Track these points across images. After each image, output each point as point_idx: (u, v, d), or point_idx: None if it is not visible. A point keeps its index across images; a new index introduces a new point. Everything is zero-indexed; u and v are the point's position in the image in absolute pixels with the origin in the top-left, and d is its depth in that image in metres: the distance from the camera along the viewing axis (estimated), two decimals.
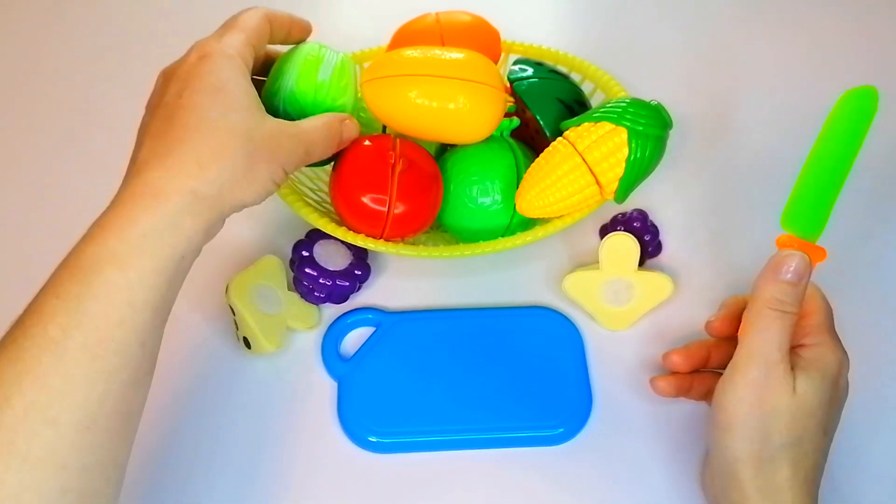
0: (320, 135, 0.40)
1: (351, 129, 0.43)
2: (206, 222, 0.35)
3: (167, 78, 0.38)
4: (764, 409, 0.35)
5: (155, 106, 0.37)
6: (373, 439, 0.44)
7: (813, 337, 0.38)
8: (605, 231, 0.52)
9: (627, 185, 0.45)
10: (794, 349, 0.38)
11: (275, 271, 0.48)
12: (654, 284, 0.48)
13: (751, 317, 0.37)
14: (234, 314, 0.46)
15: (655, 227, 0.51)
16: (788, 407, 0.35)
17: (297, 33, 0.44)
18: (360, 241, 0.46)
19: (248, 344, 0.46)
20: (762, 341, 0.36)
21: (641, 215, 0.51)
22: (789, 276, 0.37)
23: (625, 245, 0.47)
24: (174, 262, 0.34)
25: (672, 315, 0.48)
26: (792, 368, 0.36)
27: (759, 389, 0.35)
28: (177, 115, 0.35)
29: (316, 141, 0.40)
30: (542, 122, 0.49)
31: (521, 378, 0.45)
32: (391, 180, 0.44)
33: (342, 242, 0.49)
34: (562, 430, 0.44)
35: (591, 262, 0.51)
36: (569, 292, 0.48)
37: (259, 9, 0.41)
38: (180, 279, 0.35)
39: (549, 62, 0.55)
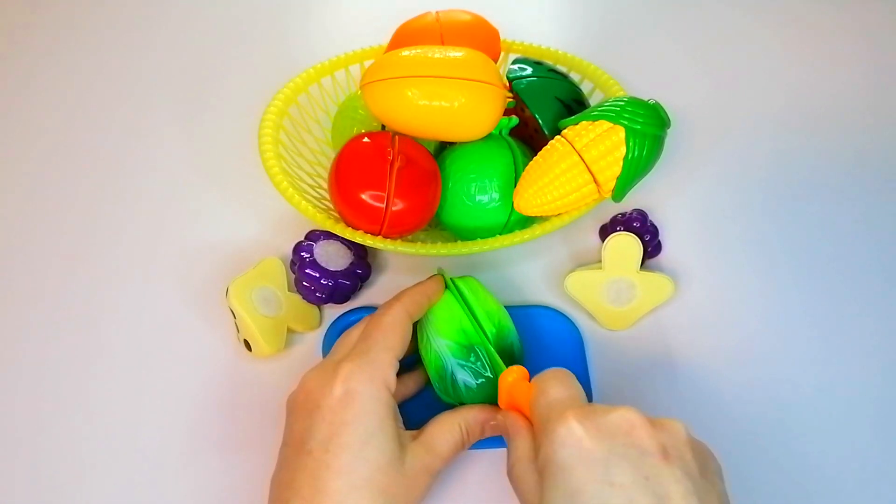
0: (452, 453, 0.39)
1: (484, 427, 0.41)
2: None
3: (309, 411, 0.37)
4: None
5: (298, 449, 0.36)
6: None
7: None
8: (604, 231, 0.52)
9: (625, 183, 0.45)
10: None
11: (276, 273, 0.48)
12: (655, 285, 0.48)
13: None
14: (234, 317, 0.46)
15: (655, 227, 0.51)
16: None
17: (437, 297, 0.43)
18: (358, 237, 0.46)
19: (249, 346, 0.46)
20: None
21: (641, 215, 0.51)
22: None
23: (628, 245, 0.47)
24: None
25: (671, 315, 0.49)
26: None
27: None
28: (322, 475, 0.35)
29: (448, 456, 0.39)
30: (540, 121, 0.49)
31: None
32: (389, 177, 0.45)
33: (342, 242, 0.49)
34: None
35: (589, 261, 0.51)
36: (570, 291, 0.48)
37: (398, 308, 0.41)
38: None
39: (549, 61, 0.55)
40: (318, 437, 0.35)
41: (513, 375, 0.39)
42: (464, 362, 0.41)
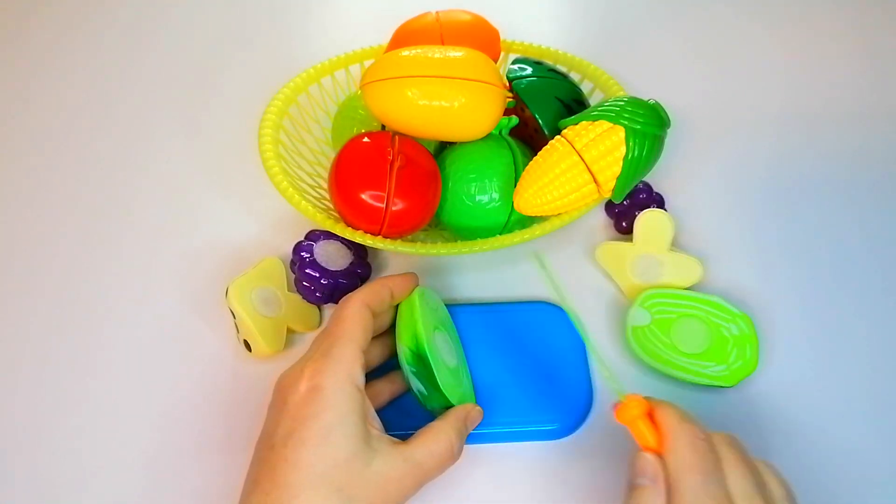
0: (436, 462, 0.37)
1: (475, 421, 0.41)
2: None
3: (278, 409, 0.37)
4: None
5: (263, 445, 0.37)
6: None
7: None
8: (610, 205, 0.53)
9: (625, 183, 0.45)
10: None
11: (275, 273, 0.48)
12: (684, 266, 0.48)
13: None
14: (234, 317, 0.46)
15: (661, 197, 0.53)
16: None
17: (400, 292, 0.43)
18: (358, 237, 0.46)
19: (248, 346, 0.46)
20: None
21: (647, 187, 0.53)
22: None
23: (660, 222, 0.48)
24: None
25: None
26: None
27: None
28: (281, 469, 0.34)
29: (432, 469, 0.37)
30: (540, 121, 0.49)
31: (522, 373, 0.46)
32: (389, 177, 0.45)
33: (342, 242, 0.49)
34: (563, 425, 0.44)
35: (589, 261, 0.52)
36: (600, 260, 0.50)
37: (355, 300, 0.40)
38: None
39: (549, 61, 0.55)
40: (281, 432, 0.36)
41: (636, 410, 0.36)
42: (415, 369, 0.41)
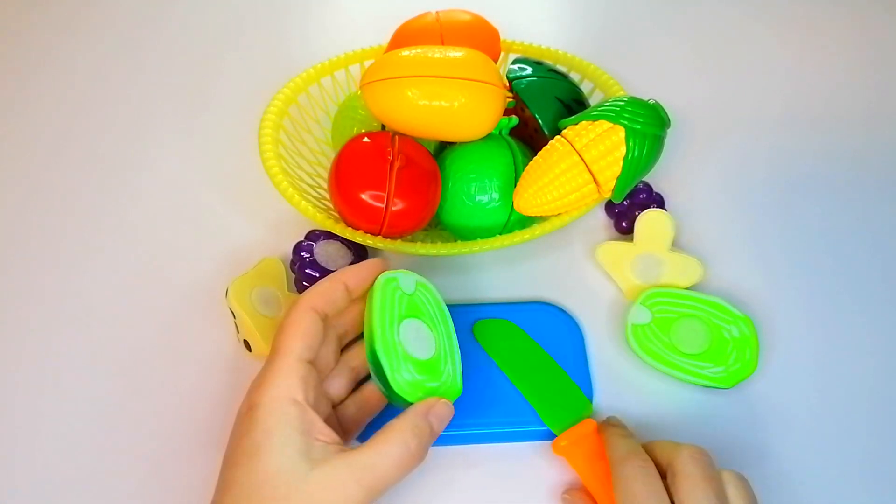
0: (390, 464, 0.34)
1: (442, 417, 0.37)
2: None
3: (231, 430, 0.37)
4: None
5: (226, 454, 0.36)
6: None
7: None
8: (610, 205, 0.53)
9: (625, 183, 0.45)
10: None
11: (275, 273, 0.48)
12: (684, 266, 0.48)
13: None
14: (234, 317, 0.46)
15: (661, 197, 0.53)
16: None
17: (357, 284, 0.40)
18: (358, 237, 0.46)
19: (248, 346, 0.46)
20: None
21: (647, 186, 0.53)
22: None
23: (661, 222, 0.48)
24: None
25: None
26: None
27: None
28: (220, 491, 0.34)
29: (385, 473, 0.34)
30: (540, 121, 0.49)
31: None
32: (389, 177, 0.45)
33: (342, 242, 0.49)
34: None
35: (590, 261, 0.52)
36: (600, 260, 0.50)
37: (298, 306, 0.38)
38: None
39: (549, 61, 0.55)
40: (225, 454, 0.36)
41: (567, 440, 0.42)
42: (374, 367, 0.39)
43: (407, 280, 0.41)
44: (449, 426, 0.43)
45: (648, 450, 0.38)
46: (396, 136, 0.47)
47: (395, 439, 0.35)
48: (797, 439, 0.44)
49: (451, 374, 0.40)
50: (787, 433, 0.44)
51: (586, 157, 0.45)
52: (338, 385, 0.41)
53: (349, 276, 0.40)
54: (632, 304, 0.47)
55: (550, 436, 0.43)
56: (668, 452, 0.37)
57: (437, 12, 0.54)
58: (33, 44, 0.67)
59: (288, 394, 0.35)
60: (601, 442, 0.41)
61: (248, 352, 0.46)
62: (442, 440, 0.43)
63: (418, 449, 0.35)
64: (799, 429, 0.44)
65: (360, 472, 0.34)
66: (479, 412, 0.44)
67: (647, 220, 0.49)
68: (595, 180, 0.46)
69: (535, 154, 0.48)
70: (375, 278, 0.40)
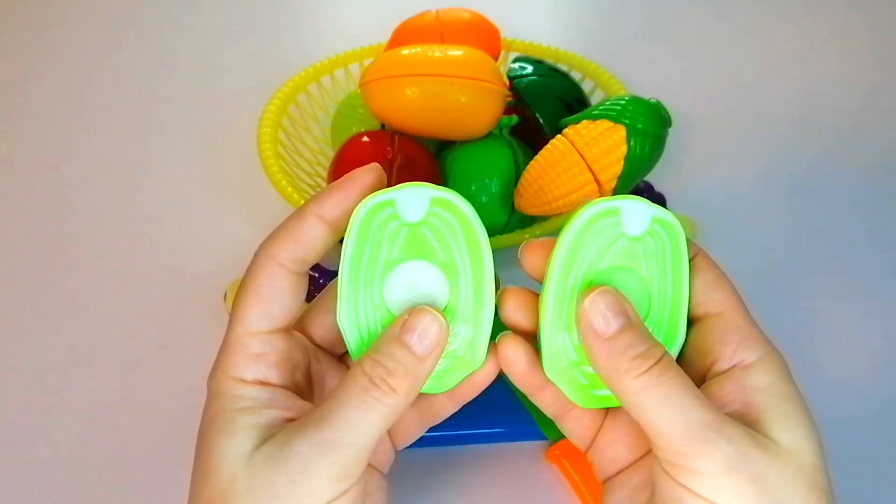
0: (364, 409, 0.25)
1: (426, 331, 0.26)
2: None
3: None
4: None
5: None
6: None
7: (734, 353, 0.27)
8: None
9: (626, 182, 0.45)
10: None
11: None
12: None
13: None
14: None
15: (662, 197, 0.52)
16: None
17: (336, 216, 0.28)
18: None
19: None
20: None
21: (647, 186, 0.52)
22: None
23: None
24: None
25: None
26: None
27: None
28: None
29: (363, 425, 0.25)
30: (541, 120, 0.49)
31: None
32: (389, 176, 0.44)
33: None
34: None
35: None
36: None
37: (258, 255, 0.28)
38: None
39: (549, 60, 0.55)
40: None
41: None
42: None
43: (410, 201, 0.28)
44: (445, 426, 0.43)
45: None
46: (396, 135, 0.47)
47: (354, 391, 0.25)
48: None
49: (469, 339, 0.28)
50: None
51: (587, 156, 0.45)
52: None
53: (323, 205, 0.28)
54: None
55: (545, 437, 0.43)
56: None
57: (436, 11, 0.54)
58: (32, 42, 0.67)
59: (233, 373, 0.28)
60: None
61: None
62: (441, 441, 0.43)
63: (393, 398, 0.25)
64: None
65: (326, 448, 0.24)
66: (475, 413, 0.44)
67: None
68: (596, 179, 0.45)
69: (536, 153, 0.47)
70: (360, 199, 0.28)
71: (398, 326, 0.26)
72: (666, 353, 0.25)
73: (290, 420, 0.26)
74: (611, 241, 0.28)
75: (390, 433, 0.31)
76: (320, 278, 0.47)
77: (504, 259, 0.51)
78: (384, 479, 0.30)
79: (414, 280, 0.28)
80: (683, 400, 0.24)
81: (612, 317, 0.25)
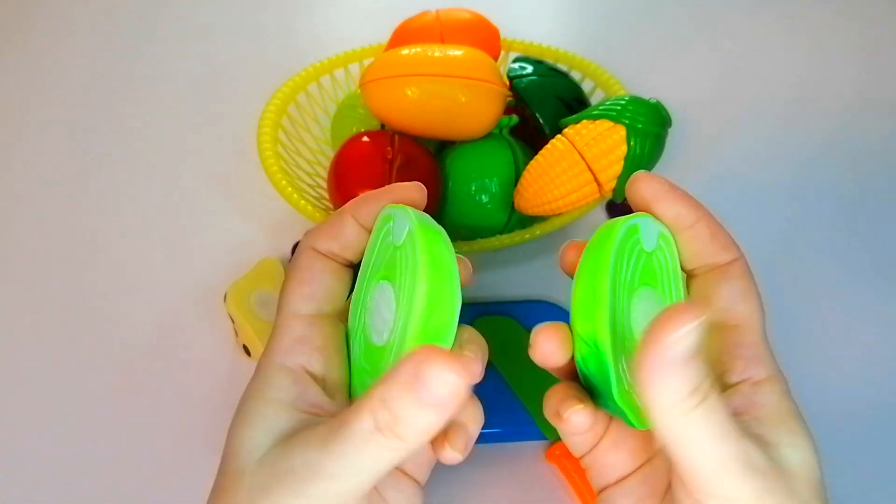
0: (365, 467, 0.23)
1: (450, 390, 0.22)
2: None
3: None
4: None
5: None
6: None
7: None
8: (611, 206, 0.53)
9: (626, 182, 0.45)
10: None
11: (274, 274, 0.48)
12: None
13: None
14: (233, 322, 0.46)
15: None
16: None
17: (370, 223, 0.30)
18: None
19: (248, 351, 0.46)
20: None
21: None
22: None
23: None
24: None
25: None
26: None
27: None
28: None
29: (360, 479, 0.24)
30: (541, 120, 0.49)
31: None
32: (389, 176, 0.44)
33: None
34: None
35: None
36: None
37: (301, 247, 0.30)
38: None
39: (549, 60, 0.55)
40: None
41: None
42: None
43: (400, 223, 0.28)
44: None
45: None
46: (396, 136, 0.47)
47: (360, 431, 0.23)
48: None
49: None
50: None
51: (587, 156, 0.45)
52: None
53: (360, 208, 0.30)
54: None
55: (549, 435, 0.43)
56: None
57: (436, 11, 0.54)
58: (32, 43, 0.67)
59: (276, 359, 0.28)
60: None
61: (247, 357, 0.46)
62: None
63: (397, 439, 0.23)
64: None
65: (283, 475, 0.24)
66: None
67: None
68: (596, 179, 0.45)
69: (536, 153, 0.47)
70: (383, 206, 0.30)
71: (408, 372, 0.22)
72: (711, 382, 0.23)
73: (315, 416, 0.26)
74: (638, 258, 0.28)
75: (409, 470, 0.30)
76: None
77: (504, 259, 0.51)
78: (419, 491, 0.29)
79: (378, 301, 0.28)
80: (724, 432, 0.23)
81: None
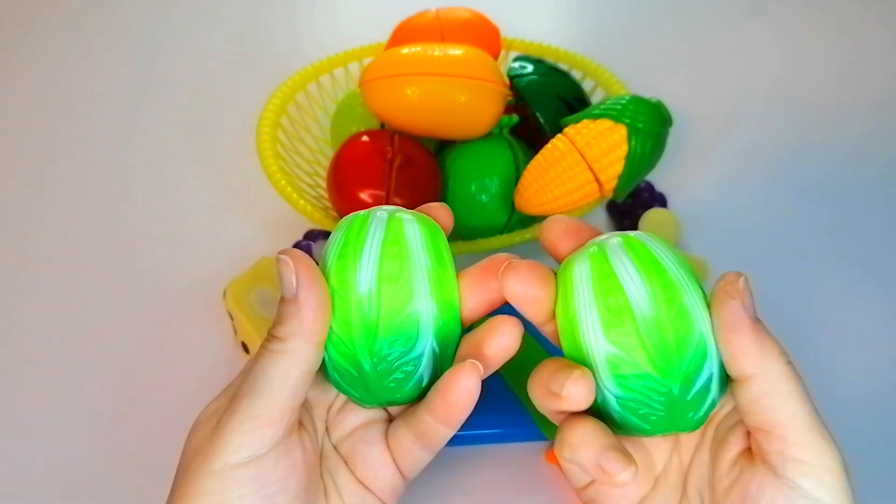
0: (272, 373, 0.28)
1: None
2: None
3: None
4: None
5: None
6: None
7: None
8: (612, 205, 0.52)
9: (627, 182, 0.45)
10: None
11: (273, 273, 0.48)
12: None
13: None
14: (232, 319, 0.46)
15: (663, 197, 0.52)
16: None
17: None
18: None
19: (246, 349, 0.45)
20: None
21: (649, 186, 0.52)
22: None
23: (666, 222, 0.48)
24: None
25: None
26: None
27: None
28: None
29: (274, 387, 0.28)
30: (541, 119, 0.49)
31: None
32: (389, 176, 0.44)
33: None
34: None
35: None
36: None
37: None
38: None
39: (550, 59, 0.55)
40: None
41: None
42: None
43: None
44: None
45: None
46: (396, 135, 0.47)
47: None
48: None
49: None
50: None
51: (588, 155, 0.45)
52: None
53: None
54: None
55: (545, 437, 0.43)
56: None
57: (437, 10, 0.54)
58: (32, 42, 0.67)
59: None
60: None
61: (245, 354, 0.46)
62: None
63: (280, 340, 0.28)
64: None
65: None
66: (475, 413, 0.44)
67: (653, 220, 0.48)
68: (597, 179, 0.45)
69: (536, 153, 0.47)
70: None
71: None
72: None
73: None
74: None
75: (396, 461, 0.31)
76: None
77: None
78: None
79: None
80: (806, 397, 0.25)
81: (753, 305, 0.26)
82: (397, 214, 0.29)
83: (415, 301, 0.28)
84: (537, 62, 0.53)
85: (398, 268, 0.28)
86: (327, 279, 0.29)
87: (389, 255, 0.28)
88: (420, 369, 0.29)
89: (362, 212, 0.29)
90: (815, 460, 0.25)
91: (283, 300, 0.29)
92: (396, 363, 0.28)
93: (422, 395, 0.30)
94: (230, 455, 0.27)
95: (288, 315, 0.28)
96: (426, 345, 0.28)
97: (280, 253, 0.29)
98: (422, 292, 0.28)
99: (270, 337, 0.28)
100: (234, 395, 0.28)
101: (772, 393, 0.25)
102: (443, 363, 0.30)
